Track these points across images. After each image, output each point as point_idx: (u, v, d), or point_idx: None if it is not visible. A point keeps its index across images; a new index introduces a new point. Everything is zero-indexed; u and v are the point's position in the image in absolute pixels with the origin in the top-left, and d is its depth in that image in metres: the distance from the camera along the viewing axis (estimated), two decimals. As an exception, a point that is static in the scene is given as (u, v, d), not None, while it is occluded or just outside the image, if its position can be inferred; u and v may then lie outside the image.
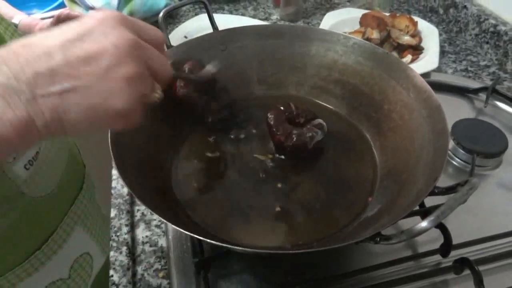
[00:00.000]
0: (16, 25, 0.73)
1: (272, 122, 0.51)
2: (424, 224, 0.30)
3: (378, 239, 0.33)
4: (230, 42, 0.58)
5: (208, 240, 0.35)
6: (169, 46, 0.55)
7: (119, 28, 0.28)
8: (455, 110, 0.69)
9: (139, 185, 0.42)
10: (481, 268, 0.44)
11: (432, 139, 0.44)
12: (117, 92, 0.27)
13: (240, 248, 0.39)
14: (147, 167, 0.46)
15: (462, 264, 0.44)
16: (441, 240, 0.47)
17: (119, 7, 0.84)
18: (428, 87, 0.48)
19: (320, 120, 0.52)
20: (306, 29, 0.60)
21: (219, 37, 0.58)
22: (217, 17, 0.89)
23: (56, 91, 0.25)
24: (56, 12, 0.97)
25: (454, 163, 0.60)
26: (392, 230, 0.37)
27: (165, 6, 0.88)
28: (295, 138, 0.49)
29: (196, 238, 0.47)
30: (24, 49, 0.25)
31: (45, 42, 0.26)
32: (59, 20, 0.72)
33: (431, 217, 0.30)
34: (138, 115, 0.29)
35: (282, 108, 0.52)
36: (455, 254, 0.47)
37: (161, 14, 0.53)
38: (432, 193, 0.38)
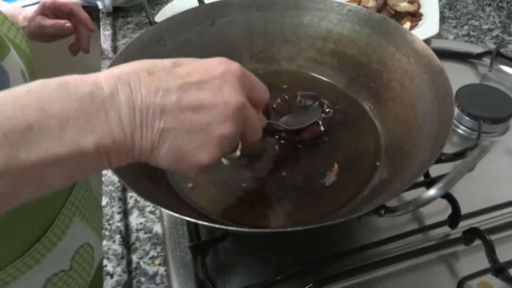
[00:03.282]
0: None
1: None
2: (432, 192, 0.27)
3: (383, 212, 0.30)
4: (218, 16, 0.55)
5: (202, 222, 0.33)
6: (153, 23, 0.52)
7: (235, 87, 0.29)
8: (459, 77, 0.66)
9: (129, 171, 0.40)
10: (492, 237, 0.42)
11: (436, 105, 0.41)
12: (207, 146, 0.29)
13: (236, 228, 0.36)
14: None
15: (472, 234, 0.42)
16: (448, 212, 0.44)
17: (103, -11, 0.81)
18: (430, 51, 0.45)
19: (315, 105, 0.51)
20: (298, -2, 0.56)
21: (205, 11, 0.54)
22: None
23: (159, 128, 0.27)
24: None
25: (459, 131, 0.57)
26: (397, 202, 0.35)
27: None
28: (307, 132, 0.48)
29: (192, 222, 0.45)
30: (148, 78, 0.27)
31: (168, 78, 0.28)
32: (45, 8, 0.69)
33: (440, 184, 0.27)
34: (210, 168, 0.31)
35: (279, 101, 0.51)
36: (463, 224, 0.45)
37: (142, -11, 0.49)
38: (439, 161, 0.35)
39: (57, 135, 0.24)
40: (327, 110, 0.51)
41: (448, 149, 0.39)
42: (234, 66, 0.30)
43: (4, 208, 0.25)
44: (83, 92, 0.25)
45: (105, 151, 0.26)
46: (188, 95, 0.28)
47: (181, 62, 0.29)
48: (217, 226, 0.34)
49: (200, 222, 0.33)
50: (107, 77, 0.27)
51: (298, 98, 0.53)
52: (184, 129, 0.28)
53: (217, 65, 0.30)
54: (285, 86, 0.56)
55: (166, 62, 0.29)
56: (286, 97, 0.52)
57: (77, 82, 0.26)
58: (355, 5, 0.54)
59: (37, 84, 0.25)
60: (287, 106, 0.52)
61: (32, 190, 0.25)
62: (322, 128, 0.49)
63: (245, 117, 0.30)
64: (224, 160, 0.46)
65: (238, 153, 0.36)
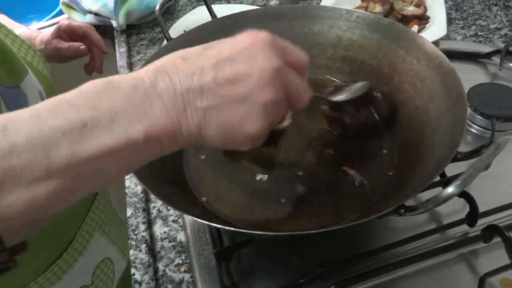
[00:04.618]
0: None
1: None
2: (450, 189, 0.28)
3: (403, 211, 0.31)
4: (230, 30, 0.56)
5: (224, 227, 0.35)
6: (169, 39, 0.54)
7: (268, 52, 0.29)
8: (469, 77, 0.66)
9: (152, 180, 0.41)
10: (511, 234, 0.42)
11: (450, 106, 0.42)
12: (253, 116, 0.29)
13: (258, 232, 0.38)
14: (158, 161, 0.45)
15: (491, 231, 0.43)
16: (466, 210, 0.45)
17: (116, 8, 0.84)
18: (440, 53, 0.46)
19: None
20: (306, 7, 0.58)
21: (218, 26, 0.56)
22: (216, 8, 0.88)
23: (202, 107, 0.28)
24: (54, 21, 0.98)
25: (473, 130, 0.58)
26: (414, 203, 0.36)
27: (162, 2, 0.87)
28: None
29: (215, 229, 0.47)
30: (183, 63, 0.28)
31: (202, 59, 0.28)
32: (60, 31, 0.73)
33: (458, 181, 0.28)
34: (263, 140, 0.31)
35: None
36: (481, 222, 0.45)
37: (157, 7, 0.52)
38: (455, 159, 0.36)
39: (108, 128, 0.26)
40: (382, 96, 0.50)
41: (463, 148, 0.40)
42: (262, 34, 0.30)
43: (69, 202, 0.27)
44: (127, 86, 0.27)
45: (155, 138, 0.27)
46: (223, 70, 0.28)
47: (210, 45, 0.30)
48: (241, 230, 0.35)
49: (225, 227, 0.35)
50: (146, 70, 0.28)
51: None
52: (226, 103, 0.28)
53: (246, 37, 0.30)
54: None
55: (197, 47, 0.30)
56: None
57: (121, 79, 0.28)
58: (363, 11, 0.56)
59: (86, 86, 0.27)
60: None
61: (93, 183, 0.27)
62: (376, 117, 0.48)
63: (286, 80, 0.30)
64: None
65: (287, 122, 0.34)
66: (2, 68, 0.47)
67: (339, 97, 0.48)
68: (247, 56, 0.29)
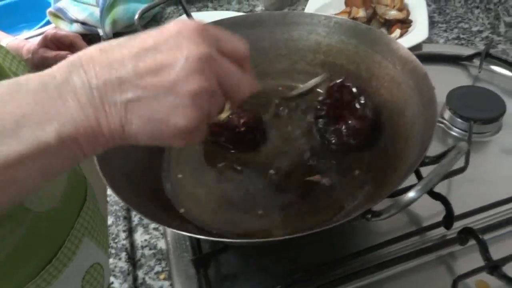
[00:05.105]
0: None
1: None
2: (411, 194, 0.29)
3: (370, 216, 0.32)
4: (210, 36, 0.58)
5: (200, 236, 0.35)
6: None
7: (195, 40, 0.26)
8: (451, 80, 0.67)
9: (129, 191, 0.42)
10: (486, 236, 0.43)
11: (422, 110, 0.43)
12: (179, 107, 0.26)
13: (231, 240, 0.38)
14: (136, 172, 0.45)
15: (466, 234, 0.43)
16: (444, 213, 0.45)
17: (102, 16, 0.84)
18: (414, 57, 0.47)
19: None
20: (286, 14, 0.58)
21: (197, 33, 0.57)
22: (201, 15, 0.89)
23: (122, 101, 0.25)
24: (41, 30, 0.98)
25: (453, 133, 0.59)
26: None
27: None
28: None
29: (194, 237, 0.47)
30: (101, 55, 0.26)
31: (122, 50, 0.26)
32: (46, 40, 0.73)
33: (418, 186, 0.29)
34: (201, 134, 0.28)
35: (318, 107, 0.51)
36: (459, 225, 0.45)
37: (136, 16, 0.52)
38: (423, 164, 0.36)
39: (14, 133, 0.23)
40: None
41: (442, 150, 0.40)
42: (190, 22, 0.28)
43: None
44: (35, 85, 0.24)
45: (71, 140, 0.25)
46: (145, 60, 0.26)
47: (135, 35, 0.28)
48: (213, 239, 0.35)
49: (198, 236, 0.35)
50: (59, 66, 0.26)
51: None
52: (149, 95, 0.26)
53: (173, 26, 0.27)
54: (277, 101, 0.57)
55: (121, 38, 0.28)
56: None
57: (29, 78, 0.25)
58: (341, 17, 0.57)
59: None
60: None
61: (8, 195, 0.25)
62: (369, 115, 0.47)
63: (216, 68, 0.27)
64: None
65: (226, 114, 0.31)
66: None
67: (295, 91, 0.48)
68: (172, 45, 0.26)
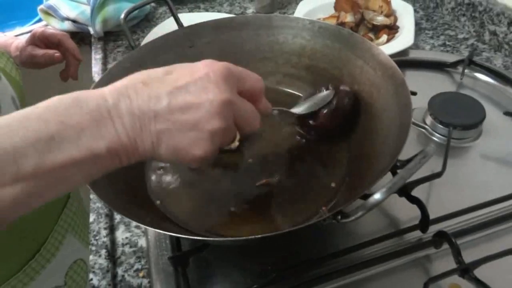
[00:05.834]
0: None
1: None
2: (377, 196, 0.30)
3: (339, 217, 0.32)
4: (197, 38, 0.58)
5: (178, 235, 0.35)
6: (134, 47, 0.55)
7: (220, 85, 0.32)
8: (434, 86, 0.68)
9: (109, 189, 0.42)
10: (459, 240, 0.44)
11: (398, 115, 0.44)
12: (200, 141, 0.32)
13: (210, 239, 0.39)
14: (116, 169, 0.46)
15: (440, 237, 0.44)
16: (421, 216, 0.46)
17: (93, 15, 0.85)
18: (393, 64, 0.47)
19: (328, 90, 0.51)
20: (271, 17, 0.59)
21: (184, 34, 0.57)
22: (193, 15, 0.90)
23: (155, 130, 0.31)
24: (31, 28, 0.98)
25: (434, 138, 0.60)
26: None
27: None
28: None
29: (170, 234, 0.47)
30: (143, 88, 0.31)
31: (159, 86, 0.32)
32: (35, 38, 0.73)
33: (383, 189, 0.29)
34: (213, 159, 0.34)
35: None
36: (435, 228, 0.46)
37: (122, 16, 0.53)
38: (396, 167, 0.37)
39: (74, 142, 0.29)
40: (344, 89, 0.50)
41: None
42: (217, 65, 0.33)
43: (33, 206, 0.30)
44: (93, 105, 0.30)
45: (116, 153, 0.31)
46: (177, 99, 0.31)
47: (172, 69, 0.33)
48: (190, 237, 0.36)
49: (175, 234, 0.35)
50: (110, 90, 0.31)
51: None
52: (177, 128, 0.31)
53: (202, 67, 0.33)
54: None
55: (159, 71, 0.33)
56: None
57: (88, 97, 0.30)
58: (325, 22, 0.57)
59: (54, 101, 0.30)
60: None
61: (58, 189, 0.30)
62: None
63: (234, 110, 0.33)
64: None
65: (236, 144, 0.38)
66: None
67: (301, 109, 0.49)
68: (200, 87, 0.32)
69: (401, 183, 0.30)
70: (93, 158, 0.30)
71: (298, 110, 0.50)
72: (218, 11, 0.96)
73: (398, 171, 0.34)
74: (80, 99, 0.30)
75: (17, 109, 0.55)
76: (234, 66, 0.35)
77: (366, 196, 0.38)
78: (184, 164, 0.34)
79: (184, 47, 0.58)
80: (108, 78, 0.50)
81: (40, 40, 0.72)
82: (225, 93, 0.32)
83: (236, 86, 0.34)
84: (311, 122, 0.50)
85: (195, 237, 0.38)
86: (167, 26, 0.85)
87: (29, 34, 0.74)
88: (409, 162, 0.32)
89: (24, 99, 0.59)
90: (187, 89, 0.32)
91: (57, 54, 0.71)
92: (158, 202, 0.47)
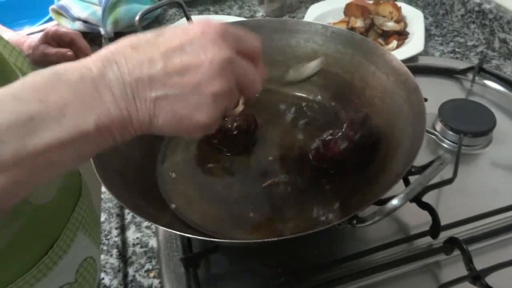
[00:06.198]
0: None
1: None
2: (394, 201, 0.30)
3: (355, 222, 0.33)
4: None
5: (190, 235, 0.35)
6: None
7: (218, 43, 0.29)
8: (444, 92, 0.68)
9: (122, 187, 0.42)
10: (470, 247, 0.44)
11: (412, 121, 0.44)
12: (202, 106, 0.29)
13: (221, 240, 0.39)
14: (130, 170, 0.46)
15: (451, 244, 0.44)
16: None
17: (104, 15, 0.85)
18: (406, 69, 0.48)
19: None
20: (284, 21, 0.59)
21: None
22: (203, 18, 0.90)
23: (151, 97, 0.28)
24: (43, 27, 0.99)
25: (444, 145, 0.60)
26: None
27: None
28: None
29: (186, 236, 0.48)
30: (132, 52, 0.28)
31: (151, 48, 0.28)
32: (47, 37, 0.74)
33: (401, 195, 0.30)
34: (216, 125, 0.31)
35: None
36: (446, 235, 0.46)
37: (137, 18, 0.53)
38: (410, 173, 0.37)
39: (57, 121, 0.26)
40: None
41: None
42: (212, 23, 0.30)
43: (23, 194, 0.28)
44: (75, 77, 0.27)
45: (106, 129, 0.27)
46: (173, 60, 0.28)
47: (163, 32, 0.30)
48: (203, 238, 0.36)
49: (188, 235, 0.35)
50: (94, 59, 0.28)
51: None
52: (176, 93, 0.28)
53: (197, 26, 0.30)
54: (279, 106, 0.59)
55: (149, 34, 0.30)
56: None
57: (67, 69, 0.27)
58: (337, 27, 0.58)
59: (31, 77, 0.27)
60: None
61: (45, 175, 0.27)
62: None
63: (236, 70, 0.30)
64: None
65: (240, 108, 0.35)
66: None
67: (294, 77, 0.48)
68: (197, 47, 0.29)
69: (419, 189, 0.30)
70: (81, 137, 0.26)
71: (290, 78, 0.50)
72: (228, 14, 0.97)
73: (416, 177, 0.34)
74: (59, 72, 0.27)
75: None
76: (230, 25, 0.31)
77: (379, 202, 0.38)
78: (186, 134, 0.31)
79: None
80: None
81: (53, 39, 0.73)
82: (225, 51, 0.29)
83: (234, 45, 0.30)
84: (324, 153, 0.48)
85: (211, 239, 0.38)
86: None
87: (42, 33, 0.74)
88: (426, 169, 0.32)
89: None
90: (182, 49, 0.28)
91: (70, 53, 0.72)
92: (173, 206, 0.47)
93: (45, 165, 0.27)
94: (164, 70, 0.28)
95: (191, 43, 0.29)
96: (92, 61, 0.28)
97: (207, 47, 0.29)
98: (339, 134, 0.46)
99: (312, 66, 0.49)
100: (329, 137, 0.47)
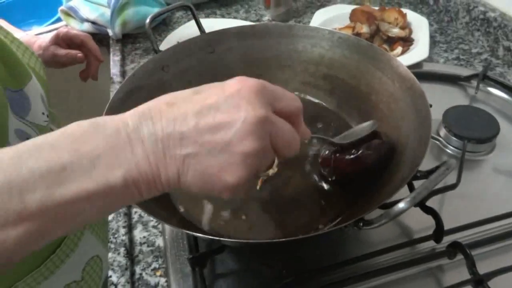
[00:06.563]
0: None
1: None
2: (401, 205, 0.30)
3: (361, 224, 0.33)
4: (217, 44, 0.60)
5: (196, 234, 0.36)
6: (157, 52, 0.56)
7: (253, 101, 0.28)
8: (448, 99, 0.69)
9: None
10: (473, 252, 0.44)
11: (417, 127, 0.45)
12: (232, 165, 0.28)
13: (230, 240, 0.40)
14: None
15: (454, 248, 0.45)
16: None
17: (112, 17, 0.86)
18: (412, 76, 0.48)
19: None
20: (292, 26, 0.60)
21: (205, 40, 0.59)
22: (209, 21, 0.91)
23: (181, 154, 0.28)
24: (52, 27, 1.00)
25: (448, 150, 0.60)
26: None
27: (158, 14, 0.90)
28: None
29: (192, 236, 0.48)
30: (167, 109, 0.28)
31: (186, 105, 0.28)
32: (58, 38, 0.75)
33: (408, 198, 0.30)
34: (246, 187, 0.30)
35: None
36: (449, 239, 0.47)
37: (147, 21, 0.54)
38: (416, 178, 0.38)
39: (87, 172, 0.26)
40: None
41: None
42: (250, 81, 0.30)
43: (43, 243, 0.27)
44: (111, 129, 0.27)
45: (134, 183, 0.27)
46: (206, 118, 0.28)
47: (201, 89, 0.30)
48: (209, 237, 0.36)
49: (195, 234, 0.36)
50: (132, 114, 0.28)
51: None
52: (206, 151, 0.28)
53: (234, 83, 0.29)
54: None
55: (187, 91, 0.30)
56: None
57: (106, 121, 0.28)
58: (344, 32, 0.59)
59: (71, 126, 0.27)
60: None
61: (68, 226, 0.27)
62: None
63: (270, 130, 0.29)
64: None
65: (274, 169, 0.33)
66: (7, 72, 0.50)
67: (343, 139, 0.47)
68: (231, 105, 0.28)
69: (425, 193, 0.31)
70: (108, 189, 0.26)
71: (339, 140, 0.47)
72: (234, 18, 0.98)
73: (420, 181, 0.34)
74: (98, 123, 0.27)
75: (45, 107, 0.56)
76: (269, 83, 0.31)
77: (383, 206, 0.39)
78: (214, 193, 0.30)
79: (205, 52, 0.59)
80: (133, 80, 0.51)
81: (63, 40, 0.74)
82: (259, 109, 0.28)
83: (271, 103, 0.30)
84: (333, 163, 0.47)
85: (221, 238, 0.39)
86: (185, 30, 0.86)
87: (52, 34, 0.75)
88: (432, 173, 0.33)
89: (50, 98, 0.61)
90: (217, 107, 0.28)
91: (80, 54, 0.73)
92: (182, 209, 0.47)
93: (69, 216, 0.26)
94: (196, 127, 0.28)
95: (225, 101, 0.28)
96: (130, 116, 0.28)
97: (241, 105, 0.28)
98: (352, 156, 0.45)
99: (361, 128, 0.47)
100: (343, 156, 0.46)
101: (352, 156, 0.44)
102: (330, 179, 0.48)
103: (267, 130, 0.29)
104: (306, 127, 0.35)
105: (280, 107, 0.31)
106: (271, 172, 0.33)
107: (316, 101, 0.60)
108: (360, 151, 0.44)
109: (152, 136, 0.27)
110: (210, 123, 0.28)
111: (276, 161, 0.34)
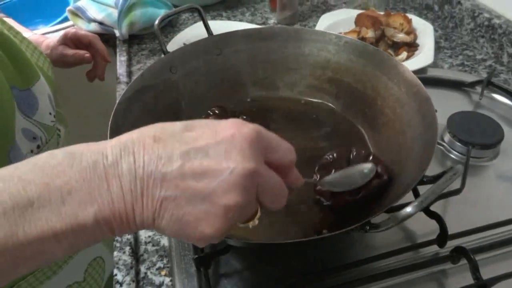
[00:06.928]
0: None
1: None
2: (408, 209, 0.31)
3: (368, 228, 0.34)
4: (225, 46, 0.60)
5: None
6: (166, 53, 0.57)
7: (245, 152, 0.27)
8: (452, 104, 0.69)
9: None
10: (477, 257, 0.44)
11: (423, 132, 0.45)
12: (210, 216, 0.26)
13: (234, 240, 0.40)
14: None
15: (458, 253, 0.45)
16: (438, 231, 0.47)
17: (120, 18, 0.87)
18: (418, 81, 0.49)
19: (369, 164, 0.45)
20: (299, 30, 0.61)
21: (213, 42, 0.59)
22: (215, 23, 0.92)
23: (160, 196, 0.26)
24: (60, 27, 1.01)
25: (452, 156, 0.61)
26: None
27: (164, 16, 0.90)
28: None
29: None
30: (153, 145, 0.26)
31: (174, 143, 0.26)
32: (66, 38, 0.76)
33: (415, 203, 0.31)
34: (222, 238, 0.28)
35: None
36: (452, 244, 0.47)
37: (156, 22, 0.55)
38: (422, 183, 0.38)
39: (56, 209, 0.24)
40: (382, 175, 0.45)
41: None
42: (246, 129, 0.27)
43: (3, 281, 0.25)
44: (87, 162, 0.25)
45: (105, 223, 0.25)
46: (192, 162, 0.26)
47: (193, 125, 0.28)
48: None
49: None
50: (113, 145, 0.26)
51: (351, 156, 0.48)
52: (186, 198, 0.26)
53: (229, 128, 0.27)
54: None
55: (178, 125, 0.28)
56: (332, 155, 0.49)
57: (83, 152, 0.26)
58: (351, 37, 0.59)
59: (44, 157, 0.25)
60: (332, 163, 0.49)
61: (32, 265, 0.25)
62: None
63: (259, 182, 0.27)
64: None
65: (255, 222, 0.31)
66: (16, 71, 0.51)
67: (335, 183, 0.44)
68: (221, 152, 0.26)
69: (432, 198, 0.31)
70: (76, 228, 0.24)
71: (332, 184, 0.43)
72: (240, 20, 0.98)
73: (426, 186, 0.35)
74: (74, 154, 0.25)
75: (53, 107, 0.57)
76: (266, 131, 0.29)
77: (389, 210, 0.39)
78: (189, 241, 0.28)
79: (212, 54, 0.60)
80: (141, 80, 0.52)
81: (71, 40, 0.75)
82: (249, 162, 0.26)
83: (264, 154, 0.28)
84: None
85: (225, 238, 0.39)
86: (192, 32, 0.87)
87: (60, 34, 0.76)
88: (438, 179, 0.33)
89: (57, 98, 0.61)
90: (206, 151, 0.26)
91: (87, 54, 0.74)
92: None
93: (32, 256, 0.24)
94: (180, 170, 0.26)
95: (216, 146, 0.26)
96: (111, 147, 0.26)
97: (231, 154, 0.26)
98: (351, 198, 0.44)
99: (359, 174, 0.44)
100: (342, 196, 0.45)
101: (351, 197, 0.44)
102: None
103: (254, 184, 0.27)
104: (298, 173, 0.33)
105: (273, 158, 0.29)
106: (251, 224, 0.31)
107: (322, 102, 0.60)
108: (360, 194, 0.43)
109: (131, 173, 0.25)
110: (195, 168, 0.26)
111: (258, 214, 0.31)
